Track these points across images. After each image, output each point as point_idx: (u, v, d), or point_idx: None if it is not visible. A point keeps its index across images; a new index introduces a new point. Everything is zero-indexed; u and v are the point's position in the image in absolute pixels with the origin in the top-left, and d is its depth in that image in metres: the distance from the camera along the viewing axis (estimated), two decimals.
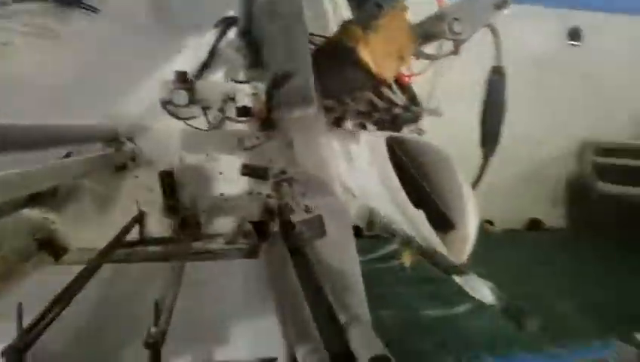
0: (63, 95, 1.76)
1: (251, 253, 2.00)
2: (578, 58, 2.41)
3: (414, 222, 0.87)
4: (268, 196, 2.24)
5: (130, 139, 2.03)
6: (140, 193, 2.06)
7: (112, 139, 1.96)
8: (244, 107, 1.17)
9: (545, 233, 2.52)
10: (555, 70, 2.24)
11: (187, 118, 1.39)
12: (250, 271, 1.83)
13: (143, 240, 1.98)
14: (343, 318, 1.18)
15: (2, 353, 0.82)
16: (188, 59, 2.01)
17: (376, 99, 1.13)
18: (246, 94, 1.19)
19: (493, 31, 0.92)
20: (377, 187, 0.93)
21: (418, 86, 1.11)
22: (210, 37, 1.99)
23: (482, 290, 1.34)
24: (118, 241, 1.66)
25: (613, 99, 2.50)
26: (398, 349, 0.93)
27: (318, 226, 1.08)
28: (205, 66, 2.03)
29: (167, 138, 2.10)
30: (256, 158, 2.18)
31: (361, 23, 0.85)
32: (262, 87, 1.21)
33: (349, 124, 1.27)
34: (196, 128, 1.98)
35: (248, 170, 2.18)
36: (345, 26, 0.91)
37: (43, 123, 1.21)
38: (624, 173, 2.46)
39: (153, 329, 0.89)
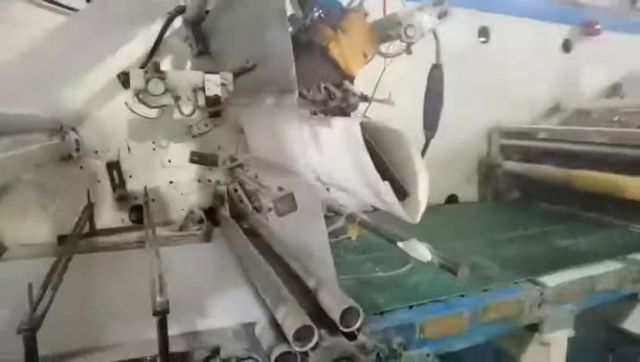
0: (4, 84, 1.69)
1: (205, 238, 2.08)
2: (487, 54, 2.79)
3: (381, 194, 1.05)
4: (217, 183, 2.32)
5: (74, 130, 1.99)
6: (87, 184, 2.03)
7: (56, 129, 1.92)
8: (215, 95, 1.27)
9: (460, 205, 2.90)
10: (469, 64, 2.58)
11: (157, 107, 1.44)
12: (204, 254, 1.93)
13: (95, 232, 1.98)
14: (311, 283, 1.34)
15: (18, 331, 0.87)
16: (133, 49, 2.02)
17: (333, 89, 1.30)
18: (216, 84, 1.28)
19: (435, 35, 1.12)
20: (348, 167, 1.10)
21: (372, 79, 1.29)
22: (156, 27, 2.01)
23: (421, 251, 1.60)
24: (79, 233, 1.67)
25: (516, 90, 2.93)
26: (358, 303, 1.13)
27: (290, 201, 1.22)
28: (151, 55, 2.05)
29: (112, 127, 2.09)
30: (204, 146, 2.25)
31: (331, 24, 1.00)
32: (230, 76, 1.31)
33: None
34: (143, 117, 2.01)
35: (197, 158, 2.26)
36: (316, 26, 1.06)
37: None
38: (523, 153, 2.92)
39: (159, 299, 0.98)
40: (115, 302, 1.35)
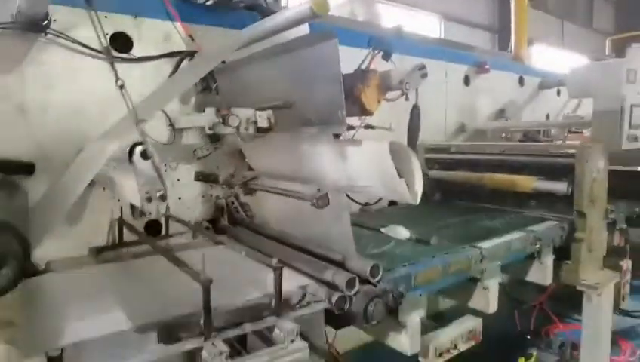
0: None
1: (217, 242, 2.50)
2: None
3: (397, 188, 1.66)
4: (217, 197, 2.75)
5: None
6: (109, 203, 2.33)
7: None
8: (268, 126, 1.78)
9: (400, 206, 3.61)
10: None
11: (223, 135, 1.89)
12: (223, 252, 2.32)
13: (122, 243, 2.29)
14: (337, 257, 1.89)
15: (202, 283, 1.29)
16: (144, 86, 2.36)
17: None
18: (265, 117, 1.79)
19: (416, 87, 1.78)
20: (372, 172, 1.69)
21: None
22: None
23: (401, 232, 2.24)
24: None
25: (433, 115, 3.79)
26: None
27: (326, 198, 1.76)
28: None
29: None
30: (205, 166, 2.68)
31: (362, 82, 1.61)
32: (271, 112, 1.82)
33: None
34: (157, 141, 2.39)
35: (202, 176, 2.69)
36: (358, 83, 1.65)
37: None
38: (442, 163, 3.77)
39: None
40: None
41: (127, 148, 1.59)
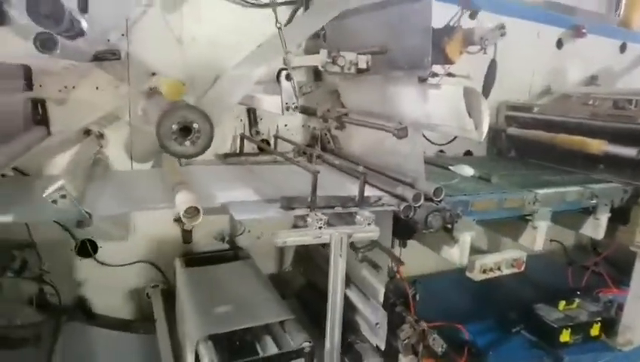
0: None
1: (309, 161, 3.07)
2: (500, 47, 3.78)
3: (466, 126, 2.05)
4: (313, 128, 3.30)
5: None
6: (233, 122, 2.97)
7: None
8: (366, 67, 2.22)
9: (475, 157, 3.94)
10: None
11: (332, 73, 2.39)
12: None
13: (242, 153, 2.94)
14: (408, 179, 2.34)
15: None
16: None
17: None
18: (365, 60, 2.23)
19: (494, 43, 2.10)
20: (445, 111, 2.09)
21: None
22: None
23: (466, 170, 2.63)
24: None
25: (519, 76, 3.95)
26: None
27: (406, 130, 2.19)
28: None
29: None
30: (307, 102, 3.20)
31: (449, 38, 1.98)
32: (370, 57, 2.26)
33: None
34: None
35: (304, 109, 3.23)
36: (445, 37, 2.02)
37: None
38: (521, 122, 3.97)
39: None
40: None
41: (276, 72, 2.17)
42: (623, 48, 4.66)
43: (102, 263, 2.79)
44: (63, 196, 1.40)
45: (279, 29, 1.74)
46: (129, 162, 2.74)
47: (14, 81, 2.10)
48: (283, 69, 1.96)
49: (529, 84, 4.14)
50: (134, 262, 2.90)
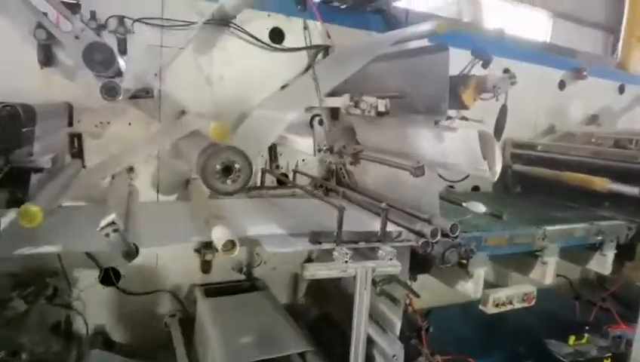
0: None
1: (326, 195, 3.20)
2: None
3: (479, 166, 2.19)
4: (329, 163, 3.44)
5: None
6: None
7: None
8: (385, 110, 2.38)
9: (482, 193, 4.07)
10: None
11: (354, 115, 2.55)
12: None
13: (263, 186, 3.07)
14: (424, 216, 2.46)
15: None
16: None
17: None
18: (384, 104, 2.39)
19: (506, 91, 2.27)
20: (459, 152, 2.23)
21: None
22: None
23: (479, 207, 2.75)
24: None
25: (524, 115, 4.13)
26: None
27: (423, 168, 2.33)
28: None
29: None
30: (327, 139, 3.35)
31: (464, 86, 2.15)
32: (388, 101, 2.42)
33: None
34: None
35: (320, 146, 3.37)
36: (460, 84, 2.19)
37: None
38: (526, 159, 4.12)
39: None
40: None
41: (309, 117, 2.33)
42: (621, 89, 4.88)
43: (123, 291, 2.87)
44: (115, 230, 1.52)
45: (315, 79, 1.90)
46: (155, 194, 2.86)
47: (61, 118, 2.26)
48: (316, 115, 2.12)
49: (534, 122, 4.32)
50: (154, 291, 2.98)
